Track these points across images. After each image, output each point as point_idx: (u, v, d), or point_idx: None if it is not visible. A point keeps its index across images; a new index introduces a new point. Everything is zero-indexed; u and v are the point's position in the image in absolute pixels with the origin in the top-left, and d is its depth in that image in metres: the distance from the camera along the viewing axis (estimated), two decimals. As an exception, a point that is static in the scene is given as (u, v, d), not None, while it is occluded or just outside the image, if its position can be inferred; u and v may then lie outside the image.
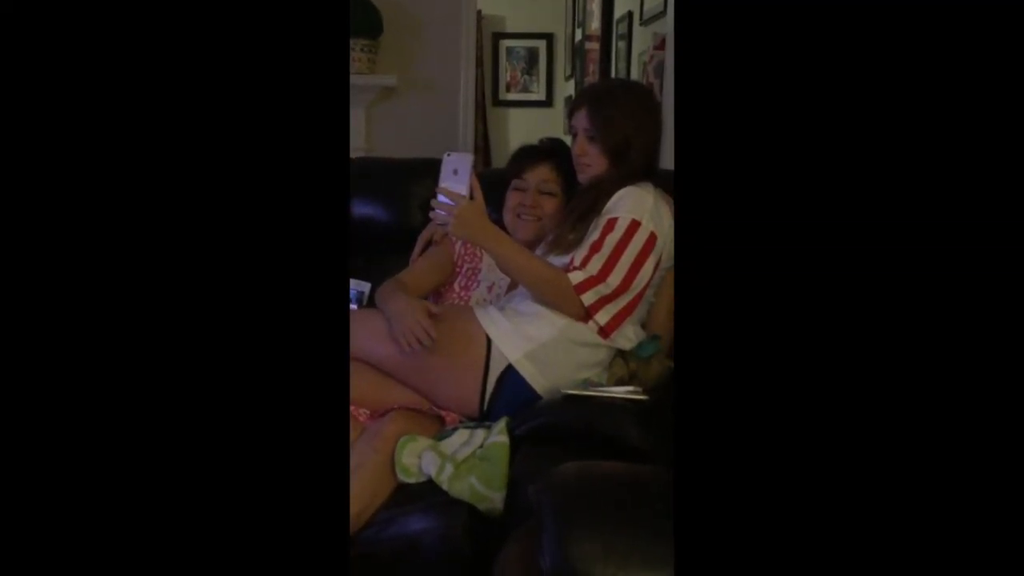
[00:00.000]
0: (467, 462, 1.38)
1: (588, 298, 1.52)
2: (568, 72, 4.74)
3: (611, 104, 1.65)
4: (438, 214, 1.52)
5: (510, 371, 1.52)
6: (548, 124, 4.86)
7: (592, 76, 3.99)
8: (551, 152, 1.88)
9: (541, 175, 1.84)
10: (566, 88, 4.81)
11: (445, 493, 1.37)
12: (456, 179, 1.51)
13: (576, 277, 1.52)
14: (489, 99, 5.05)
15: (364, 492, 1.37)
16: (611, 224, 1.56)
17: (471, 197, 1.51)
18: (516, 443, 1.41)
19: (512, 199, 1.86)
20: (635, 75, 3.23)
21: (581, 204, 1.63)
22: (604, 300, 1.53)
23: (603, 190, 1.61)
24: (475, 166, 1.54)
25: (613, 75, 3.56)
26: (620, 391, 1.46)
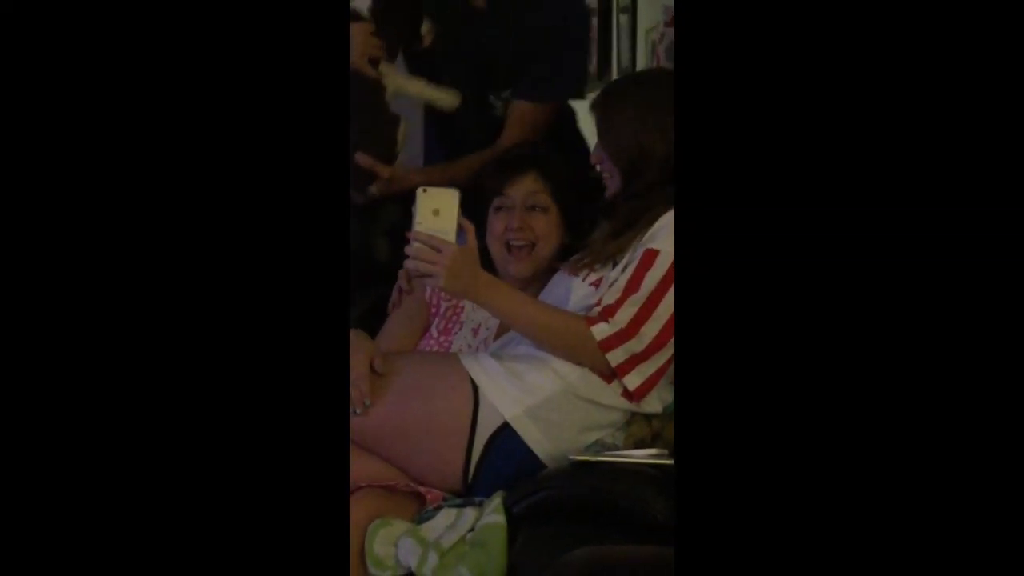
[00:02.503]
0: (455, 549, 1.38)
1: (616, 357, 1.49)
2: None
3: (618, 108, 1.63)
4: (418, 266, 1.47)
5: (504, 431, 1.51)
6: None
7: (590, 56, 4.03)
8: (532, 159, 1.86)
9: (526, 188, 1.81)
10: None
11: (429, 589, 1.36)
12: (438, 220, 1.47)
13: (601, 332, 1.49)
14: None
15: None
16: (649, 258, 1.51)
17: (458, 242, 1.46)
18: (514, 523, 1.40)
19: (497, 225, 1.82)
20: (641, 54, 3.27)
21: (613, 224, 1.60)
22: (636, 359, 1.50)
23: (621, 212, 1.59)
24: (462, 203, 1.50)
25: (615, 54, 3.60)
26: (641, 454, 1.47)
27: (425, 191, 1.49)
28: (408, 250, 1.48)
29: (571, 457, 1.46)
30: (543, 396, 1.51)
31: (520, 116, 1.99)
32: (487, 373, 1.54)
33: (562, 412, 1.52)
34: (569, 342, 1.50)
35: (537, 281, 1.84)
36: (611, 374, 1.50)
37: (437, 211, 1.47)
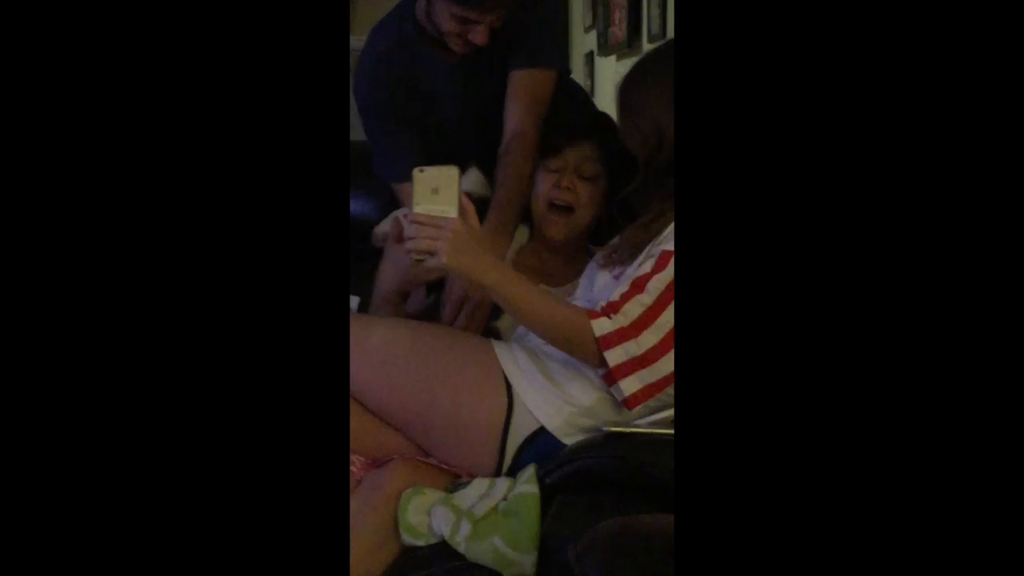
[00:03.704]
0: (488, 518, 1.40)
1: (614, 356, 1.42)
2: (588, 23, 4.76)
3: (638, 88, 1.57)
4: (418, 243, 1.41)
5: (542, 435, 1.50)
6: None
7: (618, 27, 4.01)
8: (593, 128, 1.87)
9: (581, 153, 1.83)
10: (586, 42, 4.83)
11: (462, 557, 1.39)
12: (437, 200, 1.41)
13: (601, 327, 1.42)
14: (490, 58, 5.06)
15: (363, 559, 1.39)
16: (665, 259, 1.44)
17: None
18: (547, 493, 1.43)
19: (545, 183, 1.84)
20: (672, 23, 3.24)
21: (643, 216, 1.55)
22: (636, 364, 1.42)
23: (651, 202, 1.54)
24: (463, 182, 1.45)
25: (645, 25, 3.58)
26: (670, 418, 1.47)
27: (422, 171, 1.43)
28: (407, 230, 1.43)
29: (604, 428, 1.48)
30: (584, 407, 1.50)
31: (519, 87, 1.90)
32: (524, 374, 1.51)
33: (600, 420, 1.49)
34: (568, 335, 1.44)
35: (572, 268, 1.86)
36: (609, 375, 1.44)
37: (436, 190, 1.41)
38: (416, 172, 1.43)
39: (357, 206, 2.21)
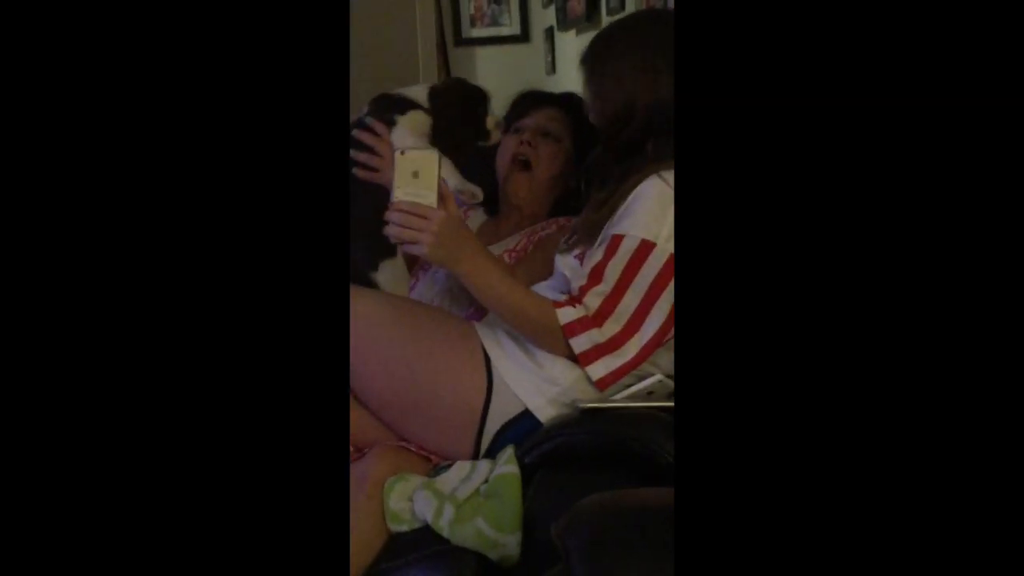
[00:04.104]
0: (471, 501, 1.41)
1: (580, 344, 1.45)
2: (546, -3, 4.75)
3: (606, 57, 1.55)
4: (402, 233, 1.44)
5: (522, 419, 1.51)
6: (525, 64, 4.86)
7: (576, 1, 4.00)
8: (561, 99, 1.91)
9: (546, 115, 1.87)
10: (544, 18, 4.81)
11: (447, 541, 1.40)
12: (418, 184, 1.43)
13: (566, 315, 1.45)
14: (450, 38, 5.05)
15: (358, 548, 1.40)
16: (615, 244, 1.46)
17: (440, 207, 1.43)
18: (527, 473, 1.44)
19: (509, 143, 1.87)
20: (630, -3, 3.24)
21: (599, 193, 1.56)
22: (601, 349, 1.45)
23: (608, 179, 1.54)
24: (441, 166, 1.46)
25: (604, -2, 3.57)
26: (646, 389, 1.48)
27: (403, 153, 1.45)
28: (389, 216, 1.45)
29: (580, 404, 1.49)
30: (564, 386, 1.50)
31: None
32: (507, 355, 1.52)
33: (580, 399, 1.50)
34: (535, 324, 1.47)
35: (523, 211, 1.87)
36: (576, 362, 1.47)
37: (416, 173, 1.43)
38: (397, 155, 1.46)
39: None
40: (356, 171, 1.67)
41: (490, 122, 1.75)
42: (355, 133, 1.68)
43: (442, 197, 1.44)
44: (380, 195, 1.60)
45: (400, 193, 1.44)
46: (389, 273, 1.70)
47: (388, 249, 1.68)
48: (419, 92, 1.73)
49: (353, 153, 1.67)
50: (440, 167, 1.45)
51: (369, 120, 1.69)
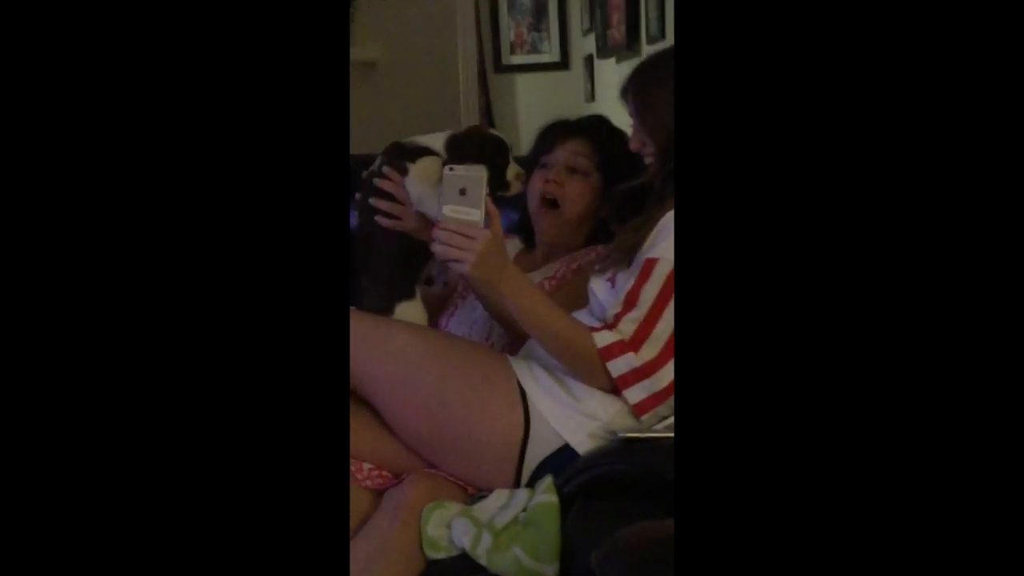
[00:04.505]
0: (509, 529, 1.41)
1: (617, 367, 1.46)
2: (586, 25, 4.77)
3: (654, 85, 1.56)
4: (447, 251, 1.45)
5: (563, 453, 1.50)
6: (565, 90, 4.88)
7: (616, 28, 4.03)
8: (586, 127, 1.90)
9: (572, 149, 1.86)
10: (584, 45, 4.84)
11: (484, 569, 1.40)
12: (465, 201, 1.43)
13: (603, 339, 1.46)
14: (490, 65, 5.09)
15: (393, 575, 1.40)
16: (648, 268, 1.47)
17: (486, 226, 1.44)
18: (566, 502, 1.43)
19: (536, 182, 1.87)
20: (671, 25, 3.25)
21: (636, 217, 1.57)
22: (637, 374, 1.46)
23: (646, 203, 1.56)
24: (490, 185, 1.47)
25: (643, 26, 3.59)
26: None
27: (452, 170, 1.46)
28: (436, 233, 1.45)
29: (620, 434, 1.49)
30: (604, 420, 1.50)
31: None
32: (543, 390, 1.52)
33: (620, 431, 1.49)
34: (572, 348, 1.48)
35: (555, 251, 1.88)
36: (613, 387, 1.48)
37: (464, 191, 1.44)
38: (446, 171, 1.47)
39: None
40: (378, 219, 1.69)
41: (510, 173, 1.74)
42: (376, 181, 1.69)
43: (488, 215, 1.45)
44: (398, 240, 1.65)
45: (447, 210, 1.45)
46: (405, 315, 1.70)
47: (406, 291, 1.71)
48: (436, 140, 1.73)
49: (373, 201, 1.68)
50: (487, 186, 1.46)
51: (386, 169, 1.69)
